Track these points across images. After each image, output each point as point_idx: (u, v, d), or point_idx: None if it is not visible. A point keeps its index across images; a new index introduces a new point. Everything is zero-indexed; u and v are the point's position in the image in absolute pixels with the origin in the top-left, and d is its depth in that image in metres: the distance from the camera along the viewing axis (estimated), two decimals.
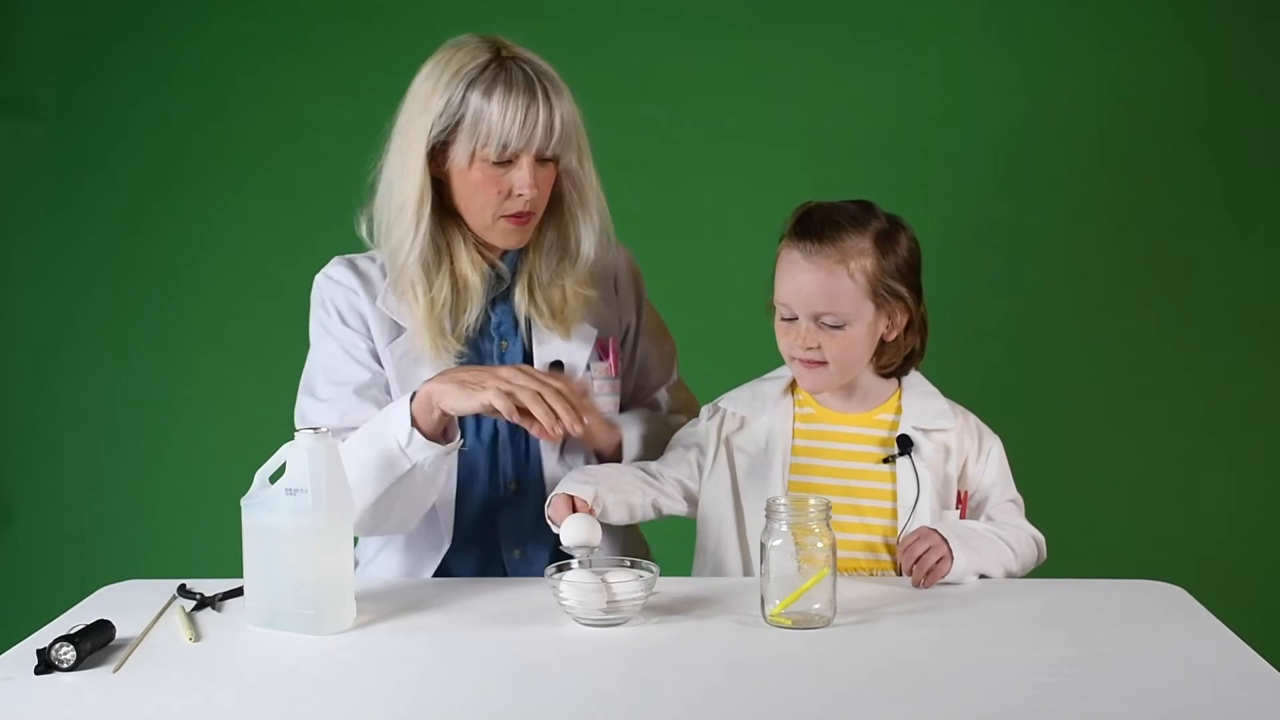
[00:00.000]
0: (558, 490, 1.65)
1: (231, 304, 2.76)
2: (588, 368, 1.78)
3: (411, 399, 1.58)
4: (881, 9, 2.66)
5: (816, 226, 1.68)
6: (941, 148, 2.67)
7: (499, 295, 1.76)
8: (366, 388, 1.70)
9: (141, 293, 2.79)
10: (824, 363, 1.70)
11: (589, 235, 1.75)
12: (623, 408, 1.86)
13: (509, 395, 1.53)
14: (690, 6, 2.68)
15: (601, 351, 1.80)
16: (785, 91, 2.68)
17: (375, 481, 1.60)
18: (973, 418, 1.79)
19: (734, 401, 1.80)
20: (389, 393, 1.73)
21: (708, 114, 2.68)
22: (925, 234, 1.75)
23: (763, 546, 1.49)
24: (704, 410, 1.82)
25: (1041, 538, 1.75)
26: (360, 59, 2.62)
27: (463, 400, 1.56)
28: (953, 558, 1.61)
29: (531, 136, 1.63)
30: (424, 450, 1.58)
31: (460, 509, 1.74)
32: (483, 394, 1.54)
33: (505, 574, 1.77)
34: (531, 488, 1.75)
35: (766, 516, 1.50)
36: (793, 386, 1.81)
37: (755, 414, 1.78)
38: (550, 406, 1.52)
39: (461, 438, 1.64)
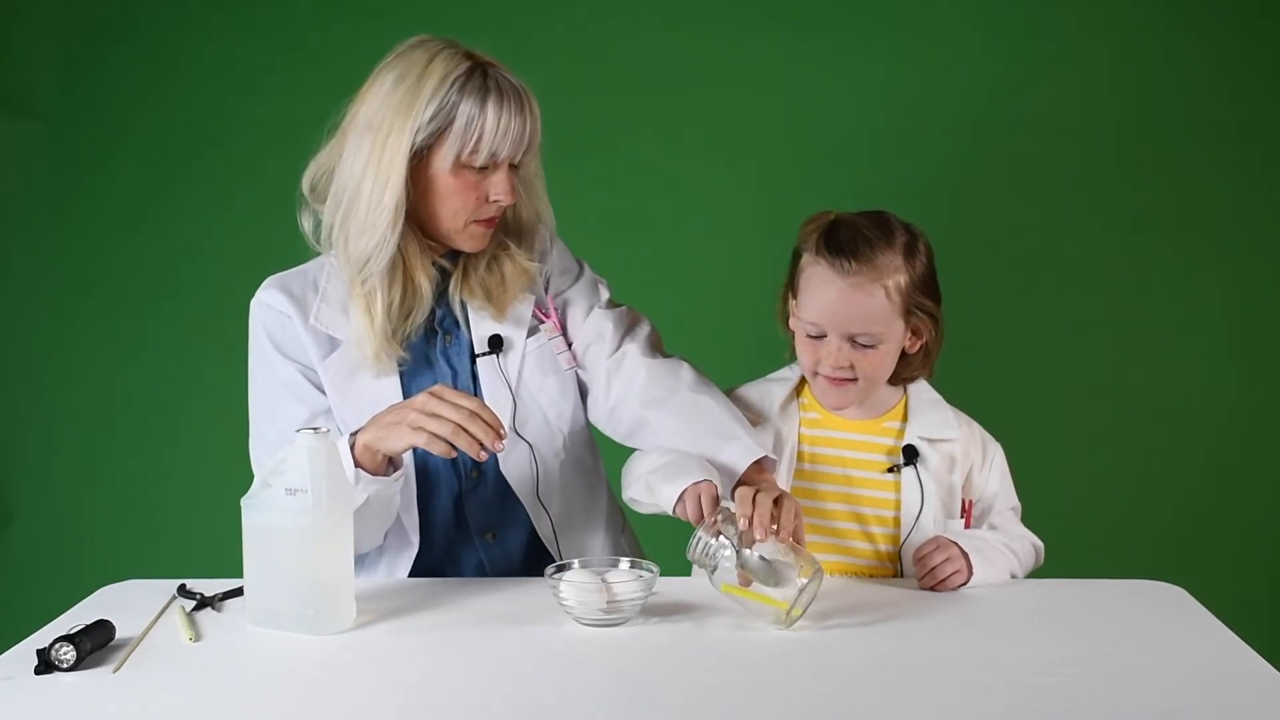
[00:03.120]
0: (674, 484, 1.57)
1: (231, 304, 2.72)
2: (533, 332, 1.78)
3: (352, 446, 1.59)
4: (882, 9, 2.65)
5: (849, 244, 1.65)
6: (941, 148, 2.67)
7: (441, 292, 1.77)
8: (310, 423, 1.70)
9: (141, 292, 2.79)
10: (853, 380, 1.69)
11: (534, 224, 1.78)
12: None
13: (432, 435, 1.52)
14: (690, 7, 2.68)
15: (541, 314, 1.80)
16: (785, 91, 2.67)
17: None
18: (976, 426, 1.79)
19: (743, 404, 1.80)
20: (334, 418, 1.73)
21: (708, 114, 2.68)
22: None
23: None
24: None
25: (1041, 545, 1.76)
26: (360, 59, 2.60)
27: (394, 442, 1.56)
28: (970, 572, 1.62)
29: (517, 145, 1.65)
30: (371, 485, 1.59)
31: (426, 505, 1.75)
32: (408, 435, 1.54)
33: (480, 558, 1.78)
34: (492, 471, 1.76)
35: (702, 566, 1.50)
36: (798, 390, 1.80)
37: (762, 417, 1.77)
38: (470, 434, 1.52)
39: (397, 468, 1.63)
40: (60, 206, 2.79)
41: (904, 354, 1.73)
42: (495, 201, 1.67)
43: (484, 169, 1.66)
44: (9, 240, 2.80)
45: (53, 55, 2.75)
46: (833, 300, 1.66)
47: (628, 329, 1.82)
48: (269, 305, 1.74)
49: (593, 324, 1.82)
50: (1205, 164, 2.65)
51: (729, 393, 1.81)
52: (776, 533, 1.45)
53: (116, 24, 2.74)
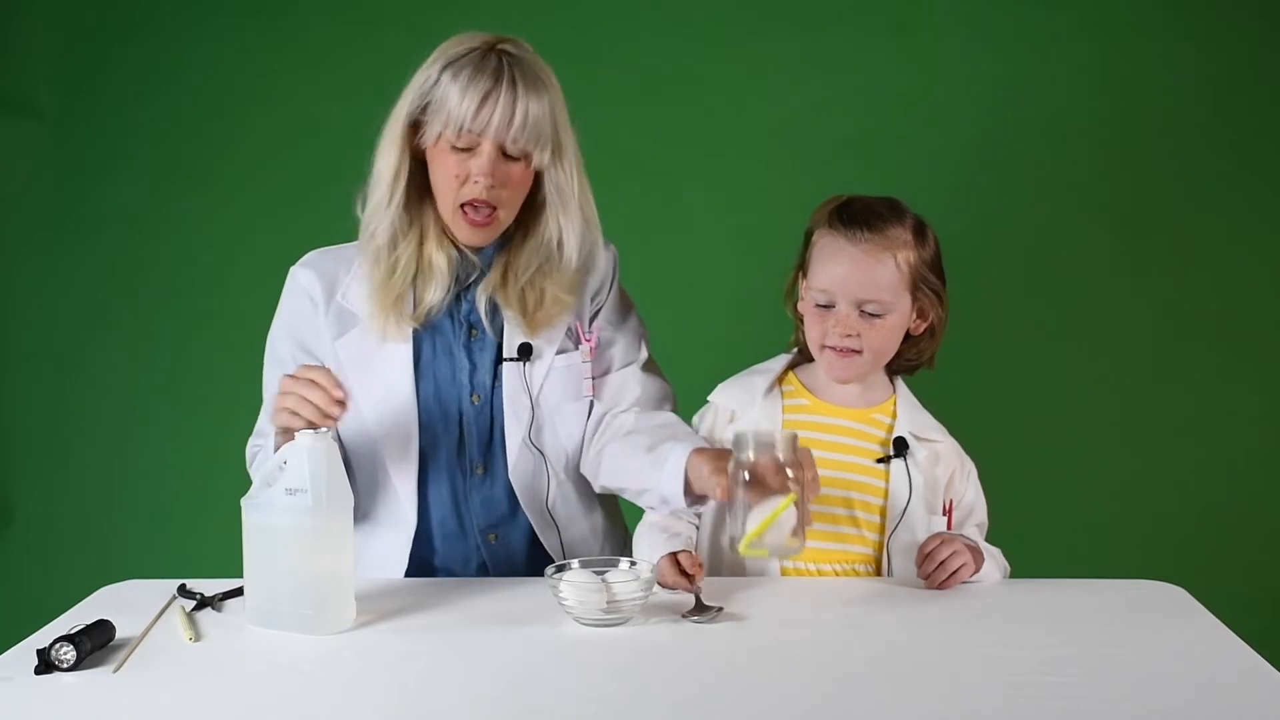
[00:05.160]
0: (649, 555, 1.63)
1: (231, 303, 2.76)
2: (564, 350, 1.78)
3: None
4: (882, 9, 2.66)
5: (861, 216, 1.70)
6: (941, 149, 2.67)
7: (472, 283, 1.76)
8: None
9: (141, 293, 2.79)
10: (859, 351, 1.71)
11: (571, 239, 1.73)
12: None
13: (290, 412, 1.52)
14: (690, 7, 2.68)
15: (583, 335, 1.80)
16: (785, 91, 2.68)
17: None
18: (954, 439, 1.81)
19: (723, 396, 1.80)
20: None
21: (708, 114, 2.68)
22: None
23: (733, 479, 1.48)
24: (696, 415, 1.82)
25: (1008, 566, 1.76)
26: (360, 60, 2.63)
27: (280, 425, 1.57)
28: (977, 566, 1.64)
29: (487, 123, 1.62)
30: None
31: (427, 493, 1.75)
32: (282, 418, 1.54)
33: (483, 559, 1.78)
34: (499, 471, 1.75)
35: (735, 449, 1.49)
36: (781, 379, 1.81)
37: (744, 408, 1.78)
38: (312, 403, 1.51)
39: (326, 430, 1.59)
40: (60, 206, 2.80)
41: (908, 336, 1.75)
42: (475, 183, 1.64)
43: (468, 150, 1.64)
44: (8, 240, 2.80)
45: (53, 55, 2.76)
46: (844, 267, 1.69)
47: (649, 402, 1.81)
48: (299, 282, 1.77)
49: (620, 379, 1.82)
50: (1206, 166, 2.65)
51: (711, 395, 1.82)
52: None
53: (116, 24, 2.74)
